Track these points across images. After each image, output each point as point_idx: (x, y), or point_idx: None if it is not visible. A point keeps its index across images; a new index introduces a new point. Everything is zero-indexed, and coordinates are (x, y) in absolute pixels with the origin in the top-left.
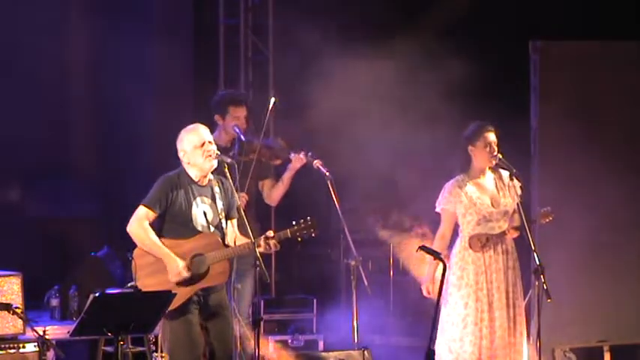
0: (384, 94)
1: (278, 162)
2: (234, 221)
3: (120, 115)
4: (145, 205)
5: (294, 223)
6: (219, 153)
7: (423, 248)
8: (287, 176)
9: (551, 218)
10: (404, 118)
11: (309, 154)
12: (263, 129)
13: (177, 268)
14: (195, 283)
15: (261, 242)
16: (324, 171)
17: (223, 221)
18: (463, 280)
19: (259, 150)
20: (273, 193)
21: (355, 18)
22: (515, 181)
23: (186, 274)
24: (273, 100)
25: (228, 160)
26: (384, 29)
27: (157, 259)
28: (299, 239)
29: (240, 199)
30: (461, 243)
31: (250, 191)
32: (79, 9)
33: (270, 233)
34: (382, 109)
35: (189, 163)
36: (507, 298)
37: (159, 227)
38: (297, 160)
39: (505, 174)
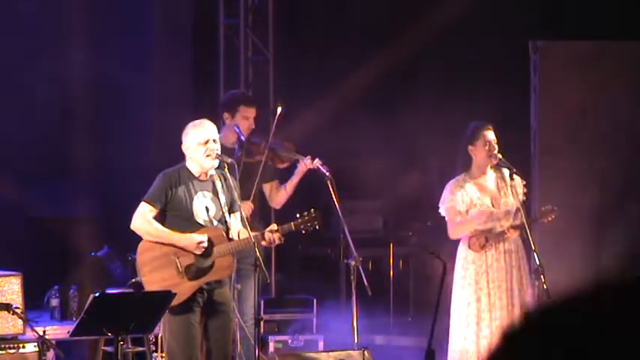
0: (383, 94)
1: (284, 166)
2: (238, 214)
3: (120, 115)
4: (146, 202)
5: (297, 215)
6: (219, 153)
7: (423, 249)
8: (292, 182)
9: (553, 217)
10: (404, 117)
11: (316, 159)
12: (271, 132)
13: (196, 239)
14: (200, 277)
15: (265, 236)
16: (324, 171)
17: (227, 215)
18: (465, 280)
19: (266, 153)
20: (278, 196)
21: (355, 17)
22: (517, 178)
23: (205, 239)
24: (280, 107)
25: (229, 160)
26: (384, 28)
27: (161, 255)
28: (303, 232)
29: (245, 207)
30: (464, 243)
31: (255, 194)
32: (79, 9)
33: (274, 226)
34: (382, 109)
35: (191, 158)
36: (509, 297)
37: (161, 224)
38: (304, 164)
39: (507, 172)
